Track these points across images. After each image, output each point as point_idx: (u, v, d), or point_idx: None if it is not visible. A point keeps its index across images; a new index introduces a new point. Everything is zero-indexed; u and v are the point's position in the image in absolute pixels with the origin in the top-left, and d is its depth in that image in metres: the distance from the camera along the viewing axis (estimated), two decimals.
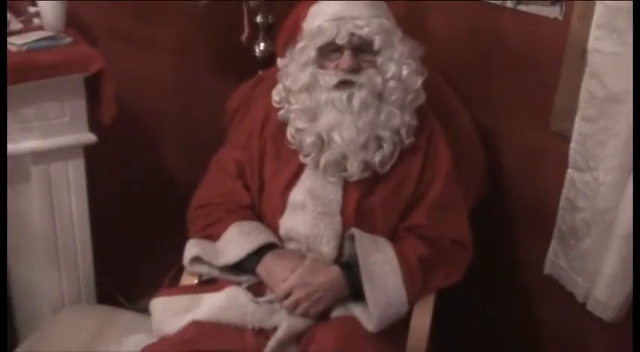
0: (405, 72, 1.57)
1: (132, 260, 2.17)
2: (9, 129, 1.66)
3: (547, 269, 1.76)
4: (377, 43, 1.54)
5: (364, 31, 1.53)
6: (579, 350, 1.79)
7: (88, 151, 1.82)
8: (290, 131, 1.60)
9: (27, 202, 1.79)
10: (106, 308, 1.94)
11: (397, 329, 1.53)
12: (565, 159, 1.65)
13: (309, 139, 1.56)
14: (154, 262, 2.09)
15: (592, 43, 1.53)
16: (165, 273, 1.80)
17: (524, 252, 1.87)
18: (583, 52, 1.57)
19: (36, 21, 1.76)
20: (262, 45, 2.01)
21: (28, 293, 1.91)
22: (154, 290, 1.69)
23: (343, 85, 1.54)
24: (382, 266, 1.53)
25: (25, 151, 1.71)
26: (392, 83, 1.56)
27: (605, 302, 1.58)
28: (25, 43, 1.63)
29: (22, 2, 1.77)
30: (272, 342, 1.47)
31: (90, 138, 1.78)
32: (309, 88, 1.56)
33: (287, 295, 1.52)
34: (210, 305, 1.53)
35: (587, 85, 1.56)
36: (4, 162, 1.66)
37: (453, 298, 1.63)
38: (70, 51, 1.68)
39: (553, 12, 1.67)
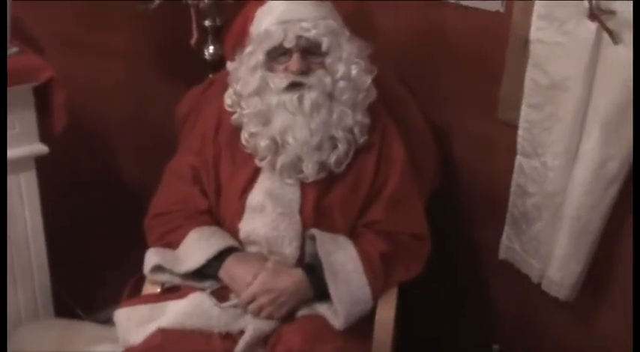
0: (354, 71, 1.59)
1: (89, 272, 2.13)
2: None
3: (502, 254, 1.81)
4: (325, 45, 1.56)
5: (311, 33, 1.54)
6: (538, 330, 1.84)
7: (40, 162, 1.79)
8: (244, 135, 1.61)
9: None
10: (66, 321, 1.91)
11: (363, 324, 1.55)
12: (513, 146, 1.70)
13: (263, 143, 1.57)
14: (111, 273, 2.05)
15: (534, 33, 1.58)
16: (123, 284, 1.77)
17: (480, 238, 1.92)
18: (525, 43, 1.62)
19: None
20: (211, 48, 2.01)
21: None
22: (113, 302, 1.68)
23: (293, 87, 1.55)
24: (344, 264, 1.54)
25: None
26: (342, 83, 1.58)
27: (559, 282, 1.64)
28: None
29: None
30: (240, 346, 1.48)
31: (41, 149, 1.75)
32: (259, 91, 1.57)
33: (251, 300, 1.53)
34: (175, 312, 1.52)
35: (531, 74, 1.61)
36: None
37: (414, 289, 1.67)
38: (16, 61, 1.65)
39: (495, 5, 1.72)
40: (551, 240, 1.65)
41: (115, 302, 1.66)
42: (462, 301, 2.01)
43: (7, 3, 1.65)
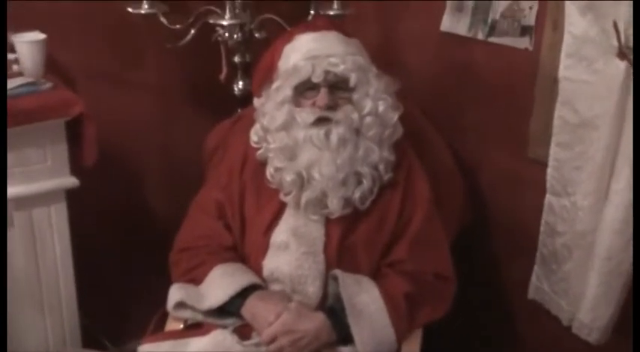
0: (381, 107, 1.59)
1: (117, 303, 2.15)
2: None
3: (531, 294, 1.77)
4: (352, 80, 1.56)
5: (339, 69, 1.55)
6: None
7: (71, 194, 1.82)
8: (269, 170, 1.61)
9: (10, 248, 1.78)
10: None
11: None
12: (543, 184, 1.68)
13: (288, 178, 1.57)
14: (139, 305, 2.06)
15: (562, 71, 1.56)
16: (151, 316, 1.78)
17: (509, 278, 1.89)
18: (554, 81, 1.61)
19: (15, 68, 1.77)
20: (241, 83, 2.03)
21: (13, 339, 1.87)
22: (139, 334, 1.68)
23: (320, 121, 1.55)
24: (368, 306, 1.53)
25: (9, 197, 1.69)
26: (369, 119, 1.57)
27: (589, 325, 1.60)
28: (7, 90, 1.64)
29: None
30: None
31: (72, 182, 1.77)
32: (286, 126, 1.57)
33: (272, 340, 1.51)
34: (197, 350, 1.52)
35: (560, 112, 1.59)
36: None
37: (439, 331, 1.64)
38: (50, 96, 1.69)
39: (523, 43, 1.72)
40: (581, 281, 1.61)
41: (141, 335, 1.66)
42: (489, 343, 1.97)
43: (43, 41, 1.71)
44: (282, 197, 1.60)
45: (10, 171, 1.69)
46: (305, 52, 1.58)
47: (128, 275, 2.17)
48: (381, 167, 1.60)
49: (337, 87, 1.57)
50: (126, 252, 2.17)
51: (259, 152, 1.63)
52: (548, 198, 1.68)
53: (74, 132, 1.75)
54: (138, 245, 2.17)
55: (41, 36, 1.75)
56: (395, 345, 1.52)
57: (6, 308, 1.45)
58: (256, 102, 1.66)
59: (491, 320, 1.95)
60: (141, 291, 2.11)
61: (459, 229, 1.81)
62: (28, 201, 1.74)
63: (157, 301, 1.80)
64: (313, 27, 1.65)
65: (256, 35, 1.96)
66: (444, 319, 1.61)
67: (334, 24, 1.68)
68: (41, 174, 1.73)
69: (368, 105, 1.58)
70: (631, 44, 1.40)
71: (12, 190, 1.70)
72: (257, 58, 1.94)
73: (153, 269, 1.90)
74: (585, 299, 1.59)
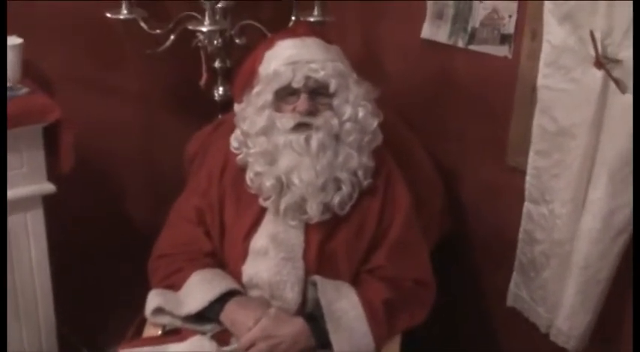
0: (361, 113, 1.59)
1: (94, 310, 2.12)
2: None
3: (510, 302, 1.78)
4: (332, 86, 1.56)
5: (320, 75, 1.55)
6: None
7: (47, 200, 1.80)
8: (249, 175, 1.60)
9: None
10: None
11: None
12: (522, 192, 1.69)
13: (268, 182, 1.57)
14: (117, 312, 2.04)
15: (541, 80, 1.57)
16: (129, 323, 1.76)
17: (488, 285, 1.89)
18: (533, 89, 1.62)
19: None
20: (221, 89, 2.03)
21: None
22: (118, 341, 1.66)
23: (300, 127, 1.55)
24: (347, 312, 1.53)
25: None
26: (348, 125, 1.57)
27: (567, 332, 1.61)
28: None
29: None
30: None
31: (49, 188, 1.76)
32: (266, 131, 1.57)
33: (250, 346, 1.51)
34: None
35: (539, 120, 1.60)
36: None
37: (419, 335, 1.64)
38: (27, 101, 1.67)
39: (502, 51, 1.73)
40: (559, 288, 1.62)
41: (120, 341, 1.64)
42: (467, 347, 1.97)
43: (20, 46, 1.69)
44: (261, 202, 1.59)
45: None
46: (286, 57, 1.57)
47: (107, 282, 2.14)
48: (360, 173, 1.60)
49: (317, 92, 1.56)
50: (104, 258, 2.15)
51: (239, 157, 1.63)
52: (527, 205, 1.69)
53: (51, 139, 1.74)
54: (117, 251, 2.16)
55: (18, 40, 1.73)
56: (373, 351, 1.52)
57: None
58: (236, 107, 1.65)
59: (470, 326, 1.96)
60: (119, 298, 2.08)
61: (438, 235, 1.81)
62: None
63: (135, 308, 1.78)
64: (294, 33, 1.64)
65: (237, 41, 1.95)
66: (423, 325, 1.61)
67: (315, 30, 1.68)
68: (17, 180, 1.72)
69: (348, 112, 1.58)
70: (607, 54, 1.41)
71: None
72: (237, 63, 1.93)
73: (132, 276, 1.88)
74: (563, 307, 1.60)
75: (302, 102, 1.55)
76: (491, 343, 1.92)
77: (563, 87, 1.52)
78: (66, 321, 1.98)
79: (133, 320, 1.74)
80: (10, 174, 1.70)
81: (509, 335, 1.88)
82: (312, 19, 1.86)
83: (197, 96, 2.05)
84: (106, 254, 2.15)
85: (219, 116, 2.00)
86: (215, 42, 1.92)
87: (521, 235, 1.72)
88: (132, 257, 1.97)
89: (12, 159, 1.69)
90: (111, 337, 1.86)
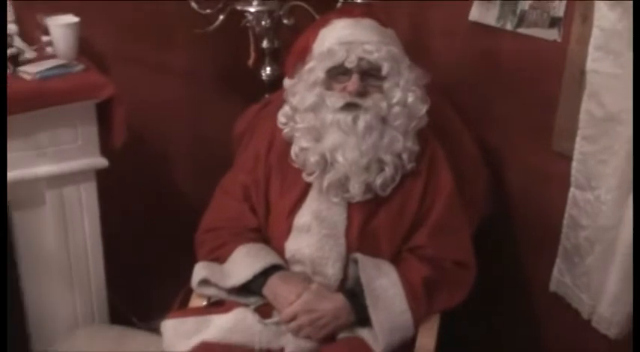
0: (410, 98, 1.60)
1: (144, 281, 2.20)
2: (23, 155, 1.72)
3: (553, 287, 1.78)
4: (385, 69, 1.57)
5: (373, 57, 1.56)
6: None
7: (100, 174, 1.87)
8: (294, 149, 1.63)
9: (41, 225, 1.84)
10: (119, 328, 1.98)
11: (404, 350, 1.55)
12: (567, 178, 1.68)
13: (312, 158, 1.60)
14: (165, 283, 2.11)
15: (590, 64, 1.55)
16: (176, 294, 1.83)
17: (531, 270, 1.89)
18: (582, 73, 1.60)
19: (49, 49, 1.81)
20: (268, 69, 2.06)
21: (43, 314, 1.94)
22: (165, 311, 1.72)
23: (349, 107, 1.57)
24: (386, 290, 1.55)
25: (40, 176, 1.76)
26: (397, 109, 1.59)
27: (609, 319, 1.60)
28: (39, 72, 1.69)
29: (35, 31, 1.83)
30: None
31: (101, 162, 1.83)
32: (315, 107, 1.60)
33: (292, 319, 1.55)
34: (219, 327, 1.56)
35: (587, 105, 1.59)
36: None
37: (458, 317, 1.65)
38: (81, 78, 1.73)
39: (551, 34, 1.70)
40: (602, 275, 1.61)
41: (166, 312, 1.70)
42: (508, 332, 1.97)
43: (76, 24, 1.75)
44: (305, 176, 1.62)
45: (43, 150, 1.75)
46: (340, 36, 1.59)
47: (156, 253, 2.22)
48: (405, 156, 1.61)
49: (369, 74, 1.58)
50: (153, 231, 2.22)
51: (285, 131, 1.66)
52: (573, 191, 1.68)
53: (105, 115, 1.80)
54: (166, 224, 2.22)
55: (74, 19, 1.79)
56: (412, 330, 1.55)
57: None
58: (287, 82, 1.68)
59: (510, 310, 1.96)
60: (168, 270, 2.16)
61: (481, 219, 1.81)
62: (60, 180, 1.80)
63: (183, 279, 1.84)
64: (351, 13, 1.66)
65: (285, 22, 1.98)
66: (462, 308, 1.63)
67: (372, 12, 1.68)
68: (72, 153, 1.79)
69: (397, 96, 1.59)
70: None
71: (44, 169, 1.77)
72: (285, 44, 1.97)
73: (180, 248, 1.95)
74: (606, 294, 1.60)
75: (353, 83, 1.57)
76: (532, 328, 1.92)
77: (612, 72, 1.50)
78: (116, 291, 2.06)
79: (178, 291, 1.81)
80: (65, 147, 1.78)
81: (550, 321, 1.87)
82: (359, 1, 1.86)
83: (245, 76, 2.09)
84: (155, 226, 2.22)
85: (266, 95, 2.04)
86: (263, 22, 1.95)
87: (565, 221, 1.71)
88: (179, 229, 2.04)
89: (67, 134, 1.77)
90: (158, 308, 1.94)
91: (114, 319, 2.06)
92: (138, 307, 2.19)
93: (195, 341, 1.55)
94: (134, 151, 1.94)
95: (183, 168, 2.27)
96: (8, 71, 1.69)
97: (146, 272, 2.22)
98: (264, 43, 2.02)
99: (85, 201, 1.86)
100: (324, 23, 1.67)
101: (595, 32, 1.52)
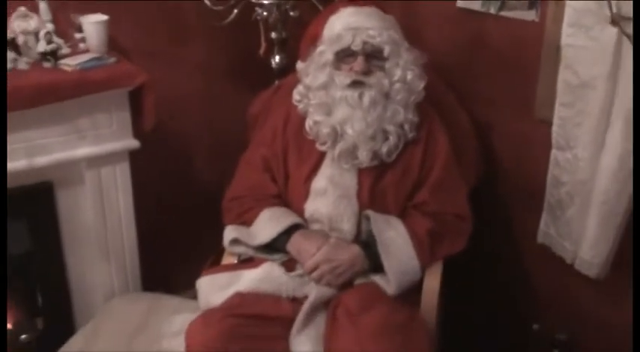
0: (409, 76, 1.81)
1: (171, 254, 2.40)
2: (66, 139, 1.92)
3: (540, 239, 1.99)
4: (386, 51, 1.78)
5: (376, 40, 1.77)
6: (573, 308, 2.02)
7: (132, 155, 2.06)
8: (309, 123, 1.84)
9: (81, 203, 2.04)
10: (153, 294, 2.17)
11: (412, 292, 1.77)
12: (549, 141, 1.89)
13: (325, 130, 1.80)
14: (188, 255, 2.32)
15: (564, 39, 1.77)
16: (199, 266, 2.02)
17: (520, 225, 2.10)
18: (557, 48, 1.82)
19: (82, 45, 2.01)
20: (277, 57, 2.26)
21: (83, 284, 2.14)
22: (189, 283, 1.89)
23: (355, 84, 1.78)
24: (395, 239, 1.77)
25: (81, 157, 1.96)
26: (398, 85, 1.80)
27: (589, 261, 1.82)
28: (78, 64, 1.89)
29: (68, 29, 2.02)
30: (305, 307, 1.71)
31: (134, 144, 2.03)
32: (326, 86, 1.80)
33: (314, 269, 1.76)
34: (249, 279, 1.77)
35: (563, 75, 1.80)
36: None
37: (459, 266, 1.87)
38: (115, 68, 1.94)
39: (530, 15, 1.93)
40: (582, 223, 1.82)
41: (192, 283, 1.88)
42: (502, 280, 2.19)
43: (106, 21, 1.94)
44: (319, 146, 1.83)
45: (83, 134, 1.95)
46: (348, 23, 1.80)
47: (179, 228, 2.42)
48: (406, 126, 1.83)
49: (373, 56, 1.78)
50: (178, 206, 2.41)
51: (300, 107, 1.86)
52: (554, 152, 1.89)
53: (136, 102, 2.00)
54: (188, 201, 2.42)
55: (104, 17, 1.99)
56: (419, 274, 1.76)
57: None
58: (299, 65, 1.88)
59: (504, 262, 2.18)
60: (192, 243, 2.37)
61: (475, 181, 2.03)
62: (98, 161, 2.01)
63: (203, 252, 2.04)
64: (356, 2, 1.87)
65: (291, 14, 2.18)
66: (462, 258, 1.84)
67: (374, 1, 1.89)
68: (107, 137, 1.99)
69: (398, 74, 1.80)
70: (622, 13, 1.61)
71: (84, 151, 1.97)
72: (292, 34, 2.18)
73: (200, 223, 2.14)
74: (586, 239, 1.81)
75: (359, 63, 1.77)
76: (523, 276, 2.14)
77: (584, 44, 1.72)
78: (147, 263, 2.25)
79: (201, 262, 2.00)
80: (102, 131, 1.98)
81: (539, 269, 2.09)
82: None
83: (255, 65, 2.29)
84: (179, 203, 2.42)
85: (276, 81, 2.25)
86: (273, 14, 2.15)
87: (548, 179, 1.92)
88: (198, 206, 2.24)
89: (103, 119, 1.97)
90: (183, 279, 2.13)
91: (146, 289, 2.24)
92: (165, 279, 2.37)
93: (229, 292, 1.76)
94: (158, 136, 2.14)
95: (200, 150, 2.46)
96: (49, 64, 1.90)
97: (172, 246, 2.41)
98: (273, 34, 2.22)
99: (120, 180, 2.06)
100: (333, 11, 1.88)
101: (568, 11, 1.74)
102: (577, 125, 1.81)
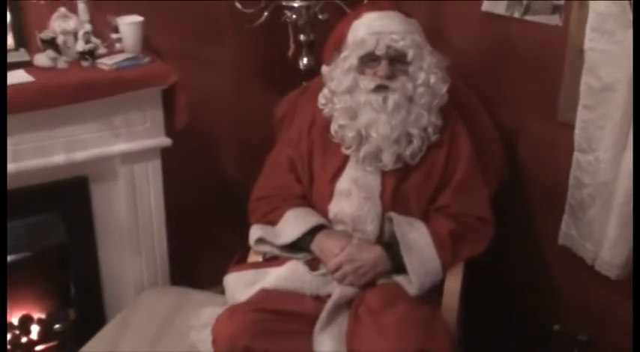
0: (432, 79, 1.84)
1: (198, 250, 2.46)
2: (102, 135, 2.00)
3: (561, 240, 2.02)
4: (410, 55, 1.81)
5: (399, 44, 1.80)
6: (593, 309, 2.04)
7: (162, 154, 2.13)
8: (334, 127, 1.88)
9: (115, 198, 2.11)
10: (181, 288, 2.24)
11: (434, 293, 1.81)
12: (571, 144, 1.92)
13: (350, 134, 1.84)
14: (213, 252, 2.38)
15: (587, 43, 1.80)
16: (225, 263, 2.08)
17: (542, 227, 2.13)
18: (581, 52, 1.84)
19: (117, 46, 2.09)
20: (305, 59, 2.31)
21: (115, 276, 2.22)
22: (217, 279, 1.96)
23: (380, 89, 1.82)
24: (418, 241, 1.80)
25: (116, 153, 2.03)
26: (421, 89, 1.83)
27: (609, 262, 1.84)
28: (115, 63, 1.96)
29: (105, 30, 2.10)
30: (328, 305, 1.75)
31: (166, 141, 2.10)
32: (350, 90, 1.84)
33: (337, 269, 1.80)
34: (275, 276, 1.82)
35: (586, 78, 1.83)
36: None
37: (480, 268, 1.90)
38: (149, 68, 2.01)
39: (554, 20, 1.96)
40: (603, 224, 1.85)
41: (216, 280, 1.94)
42: (524, 280, 2.22)
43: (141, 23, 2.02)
44: (344, 150, 1.87)
45: (118, 131, 2.03)
46: (371, 27, 1.83)
47: (207, 226, 2.48)
48: (430, 129, 1.86)
49: (396, 60, 1.82)
50: (205, 205, 2.48)
51: (325, 111, 1.90)
52: (576, 155, 1.92)
53: (169, 100, 2.07)
54: (216, 199, 2.48)
55: (139, 18, 2.06)
56: (441, 275, 1.80)
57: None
58: (324, 69, 1.93)
59: (526, 262, 2.20)
60: (217, 241, 2.43)
61: (497, 184, 2.06)
62: (131, 157, 2.08)
63: (230, 248, 2.10)
64: (379, 7, 1.90)
65: (319, 17, 2.24)
66: (483, 259, 1.87)
67: (397, 5, 1.93)
68: (141, 134, 2.06)
69: (421, 77, 1.83)
70: None
71: (119, 147, 2.04)
72: (320, 37, 2.23)
73: (226, 220, 2.19)
74: (606, 240, 1.84)
75: (382, 68, 1.81)
76: (545, 277, 2.16)
77: (607, 48, 1.75)
78: (175, 259, 2.32)
79: (226, 261, 2.06)
80: (136, 129, 2.05)
81: (560, 270, 2.11)
82: None
83: (284, 66, 2.34)
84: (205, 201, 2.48)
85: (303, 83, 2.30)
86: (301, 17, 2.21)
87: (571, 181, 1.95)
88: (226, 205, 2.29)
89: (137, 117, 2.04)
90: (210, 275, 2.19)
91: (173, 283, 2.31)
92: (191, 275, 2.43)
93: (255, 289, 1.81)
94: (188, 135, 2.20)
95: (229, 148, 2.53)
96: (87, 63, 1.98)
97: (199, 242, 2.48)
98: (302, 36, 2.27)
99: (152, 176, 2.12)
100: (357, 16, 1.91)
101: (591, 15, 1.77)
102: (599, 128, 1.84)
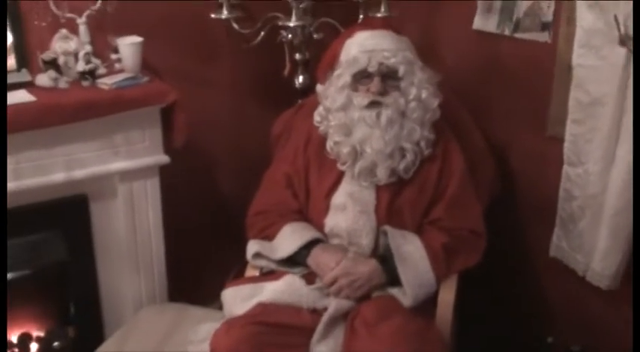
0: (424, 94, 1.88)
1: (196, 267, 2.49)
2: (101, 153, 2.03)
3: (552, 252, 2.05)
4: (401, 71, 1.86)
5: (391, 61, 1.85)
6: (586, 320, 2.07)
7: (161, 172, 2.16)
8: (329, 143, 1.92)
9: (114, 215, 2.14)
10: (179, 305, 2.25)
11: (428, 305, 1.84)
12: (560, 157, 1.96)
13: (345, 150, 1.88)
14: (211, 268, 2.40)
15: (575, 59, 1.86)
16: (222, 279, 2.10)
17: (533, 239, 2.17)
18: (569, 68, 1.90)
19: (117, 66, 2.13)
20: (301, 78, 2.35)
21: (113, 294, 2.23)
22: (214, 295, 1.99)
23: (373, 105, 1.86)
24: (412, 254, 1.83)
25: (115, 171, 2.07)
26: (413, 104, 1.87)
27: (600, 273, 1.88)
28: (115, 83, 2.01)
29: (105, 50, 2.14)
30: (325, 318, 1.78)
31: (165, 159, 2.13)
32: (344, 107, 1.89)
33: (333, 282, 1.83)
34: (271, 290, 1.85)
35: (575, 93, 1.88)
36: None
37: (473, 280, 1.93)
38: (149, 87, 2.05)
39: (543, 36, 2.01)
40: (593, 236, 1.89)
41: (215, 295, 1.96)
42: (515, 292, 2.25)
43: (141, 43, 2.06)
44: (339, 166, 1.91)
45: (118, 149, 2.06)
46: (363, 46, 1.88)
47: (204, 243, 2.50)
48: (422, 143, 1.90)
49: (388, 76, 1.86)
50: (202, 222, 2.50)
51: (321, 128, 1.95)
52: (565, 168, 1.96)
53: (165, 120, 2.10)
54: (213, 216, 2.51)
55: (139, 39, 2.10)
56: (435, 287, 1.83)
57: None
58: (319, 87, 1.97)
59: (518, 275, 2.23)
60: (214, 257, 2.45)
61: (489, 198, 2.09)
62: (130, 175, 2.11)
63: (226, 265, 2.12)
64: (371, 25, 1.96)
65: (314, 36, 2.29)
66: (476, 272, 1.90)
67: (389, 24, 1.98)
68: (140, 152, 2.09)
69: (413, 93, 1.87)
70: (630, 33, 1.69)
71: (118, 165, 2.07)
72: (315, 56, 2.27)
73: (224, 238, 2.21)
74: (597, 251, 1.88)
75: (375, 84, 1.86)
76: (537, 289, 2.19)
77: (594, 64, 1.80)
78: (173, 276, 2.34)
79: (223, 278, 2.08)
80: (135, 147, 2.08)
81: (552, 282, 2.15)
82: (379, 15, 2.18)
83: (279, 85, 2.38)
84: (204, 219, 2.51)
85: (299, 101, 2.34)
86: (297, 36, 2.26)
87: (561, 194, 1.99)
88: (223, 222, 2.32)
89: (136, 135, 2.08)
90: (208, 291, 2.21)
91: (171, 299, 2.33)
92: (189, 292, 2.45)
93: (252, 303, 1.84)
94: (185, 153, 2.23)
95: (226, 166, 2.55)
96: (87, 83, 2.02)
97: (198, 258, 2.50)
98: (297, 55, 2.32)
99: (150, 193, 2.15)
100: (350, 34, 1.96)
101: (578, 32, 1.83)
102: (588, 141, 1.88)
